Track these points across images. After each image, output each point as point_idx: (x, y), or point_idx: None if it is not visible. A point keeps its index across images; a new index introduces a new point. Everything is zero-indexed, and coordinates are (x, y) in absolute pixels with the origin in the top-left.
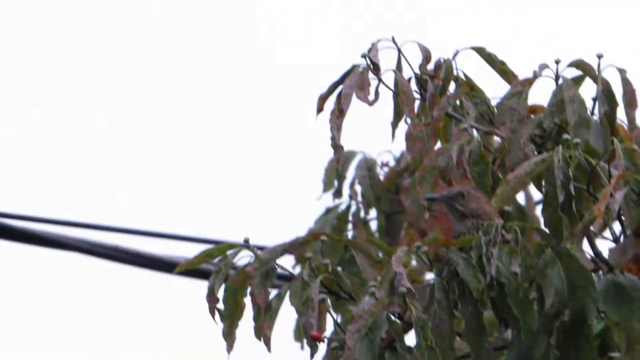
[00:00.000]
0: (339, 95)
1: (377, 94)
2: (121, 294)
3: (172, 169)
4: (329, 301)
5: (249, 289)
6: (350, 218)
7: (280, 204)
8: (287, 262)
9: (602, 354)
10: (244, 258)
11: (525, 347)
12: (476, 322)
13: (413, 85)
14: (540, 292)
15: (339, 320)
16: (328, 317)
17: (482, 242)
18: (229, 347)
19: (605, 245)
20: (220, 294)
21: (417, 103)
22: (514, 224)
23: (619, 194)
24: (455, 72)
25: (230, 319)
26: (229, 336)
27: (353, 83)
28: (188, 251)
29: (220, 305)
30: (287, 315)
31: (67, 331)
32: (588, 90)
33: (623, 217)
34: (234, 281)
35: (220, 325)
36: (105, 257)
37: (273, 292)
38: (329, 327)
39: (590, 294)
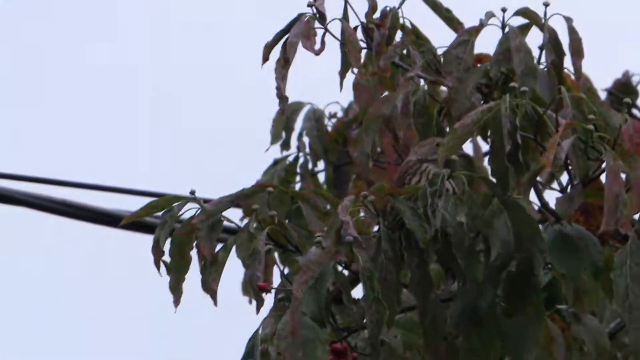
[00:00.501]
0: (285, 44)
1: (323, 43)
2: (69, 248)
3: (119, 121)
4: (275, 254)
5: (195, 242)
6: (298, 170)
7: (227, 156)
8: (234, 215)
9: (549, 306)
10: (190, 210)
11: (471, 298)
12: (422, 273)
13: (359, 35)
14: (486, 243)
15: (285, 272)
16: (275, 269)
17: (427, 194)
18: (176, 301)
19: (552, 196)
20: (167, 247)
21: (363, 53)
22: (461, 173)
23: (566, 142)
24: (401, 21)
25: (177, 272)
26: (176, 290)
27: (299, 32)
28: (135, 205)
29: (167, 258)
30: (234, 269)
31: (13, 286)
32: (535, 39)
33: (570, 167)
34: (180, 234)
35: (167, 278)
36: (53, 212)
37: (220, 245)
38: (276, 280)
39: (537, 244)
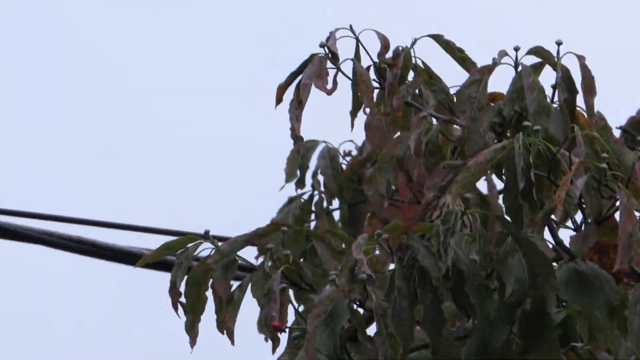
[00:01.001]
0: (298, 86)
1: (335, 83)
2: (86, 286)
3: (134, 160)
4: (290, 292)
5: (210, 282)
6: (313, 208)
7: (243, 195)
8: (249, 254)
9: (564, 344)
10: (205, 250)
11: (486, 336)
12: (435, 310)
13: (372, 74)
14: (500, 281)
15: (300, 310)
16: (290, 308)
17: (440, 232)
18: (192, 341)
19: (567, 235)
20: (182, 287)
21: (376, 92)
22: (474, 211)
23: (580, 181)
24: (413, 61)
25: (193, 313)
26: (192, 330)
27: (311, 73)
28: (152, 243)
29: (183, 299)
30: (250, 308)
31: (32, 324)
32: (547, 78)
33: (584, 205)
34: (196, 274)
35: (184, 319)
36: (69, 250)
37: (235, 284)
38: (291, 318)
39: (550, 282)
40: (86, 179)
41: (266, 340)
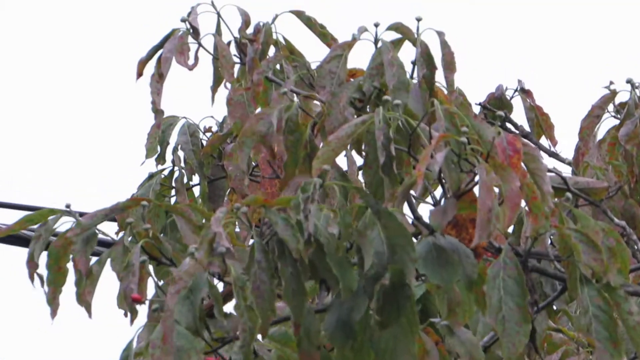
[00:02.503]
0: (159, 60)
1: (196, 58)
2: None
3: None
4: (150, 267)
5: (71, 255)
6: (173, 183)
7: (103, 170)
8: (110, 228)
9: (423, 319)
10: (65, 224)
11: (345, 310)
12: (296, 283)
13: (233, 50)
14: (360, 254)
15: (160, 284)
16: (150, 282)
17: (300, 200)
18: (53, 313)
19: (426, 210)
20: (41, 260)
21: (237, 68)
22: (334, 183)
23: (439, 155)
24: (275, 36)
25: (54, 285)
26: (53, 302)
27: (173, 47)
28: (8, 218)
29: (41, 271)
30: (110, 282)
31: None
32: (407, 54)
33: (444, 180)
34: (57, 246)
35: (41, 291)
36: None
37: (95, 259)
38: (151, 292)
39: (409, 254)
40: None
41: (125, 314)
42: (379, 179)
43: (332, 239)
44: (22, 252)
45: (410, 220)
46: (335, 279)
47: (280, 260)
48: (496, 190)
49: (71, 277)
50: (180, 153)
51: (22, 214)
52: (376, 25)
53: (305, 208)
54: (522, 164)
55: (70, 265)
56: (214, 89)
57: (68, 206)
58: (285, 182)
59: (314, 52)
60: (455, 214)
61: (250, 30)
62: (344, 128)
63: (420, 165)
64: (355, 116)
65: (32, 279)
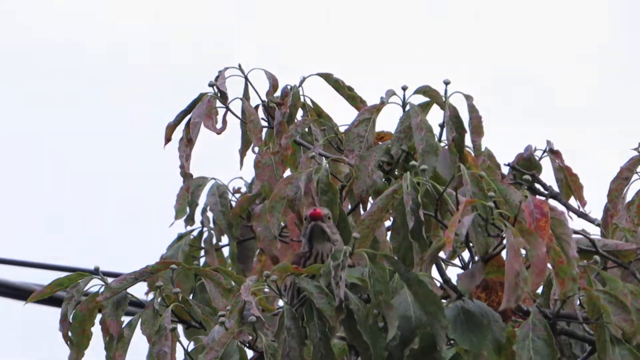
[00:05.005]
0: (187, 124)
1: (224, 122)
2: None
3: (20, 192)
4: (180, 329)
5: (98, 318)
6: (202, 244)
7: (132, 231)
8: (140, 289)
9: None
10: (95, 286)
11: None
12: (325, 348)
13: (260, 113)
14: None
15: (189, 348)
16: (179, 346)
17: (330, 267)
18: None
19: (454, 273)
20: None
21: (264, 131)
22: (363, 250)
23: (467, 219)
24: (302, 99)
25: (77, 348)
26: None
27: (201, 112)
28: (40, 278)
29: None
30: (139, 344)
31: None
32: (435, 117)
33: (471, 244)
34: (82, 309)
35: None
36: None
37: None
38: (180, 356)
39: (440, 321)
40: None
41: None
42: (407, 244)
43: (363, 306)
44: (53, 312)
45: (438, 284)
46: (365, 345)
47: (309, 325)
48: (523, 252)
49: (98, 340)
50: (210, 214)
51: (50, 273)
52: (404, 88)
53: (337, 275)
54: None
55: (95, 329)
56: (243, 152)
57: (96, 269)
58: None
59: (342, 115)
60: (484, 277)
61: (277, 94)
62: (376, 202)
63: (449, 231)
64: (384, 179)
65: (66, 339)
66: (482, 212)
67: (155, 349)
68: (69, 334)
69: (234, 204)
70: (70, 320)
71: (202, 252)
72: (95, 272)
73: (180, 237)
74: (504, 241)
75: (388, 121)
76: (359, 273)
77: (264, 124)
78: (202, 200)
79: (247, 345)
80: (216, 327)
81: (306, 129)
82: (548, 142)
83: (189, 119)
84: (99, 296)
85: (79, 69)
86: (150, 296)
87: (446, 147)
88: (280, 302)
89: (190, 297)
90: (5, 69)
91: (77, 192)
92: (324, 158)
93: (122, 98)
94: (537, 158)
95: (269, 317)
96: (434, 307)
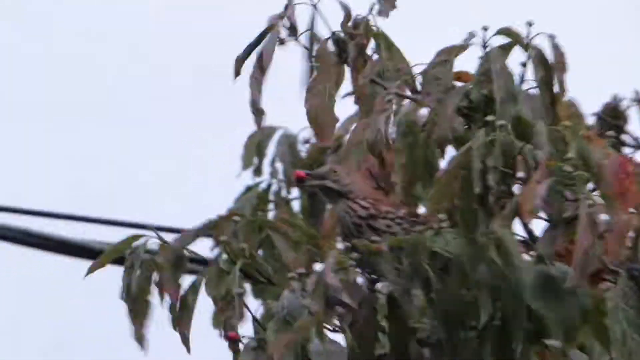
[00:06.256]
0: (260, 55)
1: (293, 55)
2: (32, 279)
3: (82, 149)
4: (247, 288)
5: (156, 281)
6: (271, 197)
7: (197, 184)
8: (203, 246)
9: (536, 340)
10: (153, 246)
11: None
12: (401, 341)
13: (330, 47)
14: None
15: (258, 312)
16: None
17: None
18: (143, 348)
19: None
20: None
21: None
22: (447, 230)
23: (541, 188)
24: (375, 30)
25: (140, 318)
26: (141, 336)
27: (271, 43)
28: (101, 234)
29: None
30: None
31: None
32: (517, 59)
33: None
34: (141, 275)
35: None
36: (15, 242)
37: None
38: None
39: (522, 294)
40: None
41: (220, 335)
42: (472, 206)
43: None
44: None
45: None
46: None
47: (389, 314)
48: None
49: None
50: (279, 165)
51: (113, 229)
52: (485, 29)
53: (414, 263)
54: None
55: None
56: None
57: (152, 227)
58: (409, 187)
59: (413, 47)
60: (566, 240)
61: (350, 25)
62: (452, 161)
63: (524, 199)
64: (465, 125)
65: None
66: (560, 176)
67: (223, 316)
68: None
69: (303, 154)
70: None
71: (271, 206)
72: (153, 230)
73: (248, 189)
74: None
75: (466, 61)
76: (444, 242)
77: (334, 59)
78: (270, 150)
79: (332, 330)
80: (285, 292)
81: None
82: (637, 92)
83: (261, 50)
84: (157, 257)
85: None
86: (215, 253)
87: (530, 89)
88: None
89: (259, 252)
90: None
91: (138, 141)
92: (400, 99)
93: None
94: (624, 108)
95: (348, 284)
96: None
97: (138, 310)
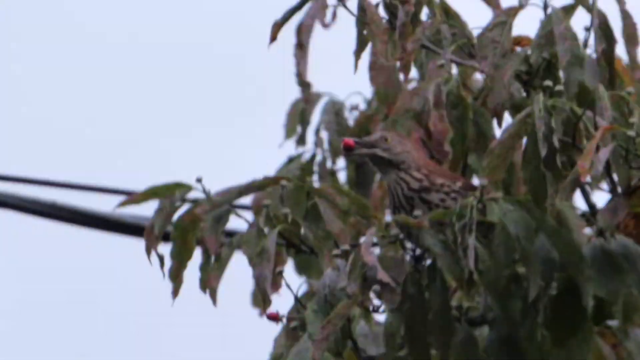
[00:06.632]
0: (300, 27)
1: (334, 16)
2: (60, 252)
3: (111, 118)
4: (290, 265)
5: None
6: (315, 168)
7: (237, 154)
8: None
9: (599, 320)
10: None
11: (508, 325)
12: (445, 319)
13: (381, 12)
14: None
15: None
16: (286, 270)
17: (456, 230)
18: (176, 291)
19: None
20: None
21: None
22: (493, 197)
23: (604, 151)
24: None
25: (179, 259)
26: (176, 278)
27: (315, 10)
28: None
29: (161, 249)
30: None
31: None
32: (580, 22)
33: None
34: (184, 219)
35: (158, 270)
36: (42, 215)
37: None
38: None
39: (582, 272)
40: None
41: (260, 314)
42: (540, 174)
43: (494, 265)
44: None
45: (580, 213)
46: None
47: (430, 289)
48: None
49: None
50: (324, 134)
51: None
52: None
53: (464, 240)
54: None
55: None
56: (357, 54)
57: (199, 180)
58: (456, 162)
59: (472, 16)
60: (628, 210)
61: None
62: (507, 128)
63: (583, 160)
64: (523, 91)
65: (149, 252)
66: (623, 141)
67: (256, 272)
68: (159, 249)
69: (351, 122)
70: (156, 234)
71: (315, 177)
72: (198, 182)
73: (291, 160)
74: None
75: (526, 25)
76: (501, 213)
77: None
78: (315, 118)
79: (373, 309)
80: (328, 270)
81: (434, 32)
82: None
83: (302, 21)
84: (198, 207)
85: None
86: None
87: (594, 57)
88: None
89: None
90: None
91: (169, 111)
92: (454, 65)
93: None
94: None
95: (388, 259)
96: (574, 257)
97: (179, 250)
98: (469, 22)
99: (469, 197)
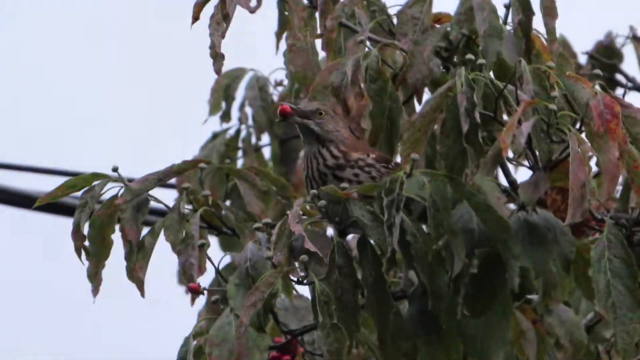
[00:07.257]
0: (223, 0)
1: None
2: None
3: (35, 96)
4: (214, 241)
5: (118, 225)
6: (240, 144)
7: (160, 130)
8: (163, 195)
9: (519, 296)
10: (112, 190)
11: (427, 299)
12: (380, 292)
13: None
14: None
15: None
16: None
17: (384, 205)
18: (95, 290)
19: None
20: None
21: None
22: (422, 171)
23: (526, 125)
24: None
25: (97, 258)
26: (95, 277)
27: None
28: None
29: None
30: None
31: None
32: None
33: (534, 149)
34: (101, 215)
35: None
36: None
37: (147, 229)
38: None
39: (509, 249)
40: None
41: (186, 292)
42: (458, 149)
43: (422, 238)
44: (67, 223)
45: (501, 188)
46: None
47: (362, 263)
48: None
49: (119, 251)
50: (248, 109)
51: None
52: None
53: (390, 216)
54: (623, 129)
55: (116, 237)
56: (279, 34)
57: (115, 170)
58: (375, 136)
59: None
60: (549, 186)
61: None
62: (428, 102)
63: (505, 135)
64: (442, 67)
65: (79, 252)
66: (545, 115)
67: (182, 259)
68: (86, 243)
69: (275, 98)
70: (86, 229)
71: (240, 153)
72: (114, 171)
73: (215, 135)
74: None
75: (446, 2)
76: (419, 185)
77: (305, 2)
78: (239, 94)
79: (298, 281)
80: (250, 244)
81: (353, 10)
82: (631, 28)
83: None
84: (118, 199)
85: None
86: (176, 201)
87: (512, 31)
88: (330, 231)
89: (227, 202)
90: None
91: (96, 84)
92: (372, 42)
93: None
94: (619, 45)
95: (314, 234)
96: (502, 231)
97: (97, 249)
98: (390, 1)
99: (398, 172)
